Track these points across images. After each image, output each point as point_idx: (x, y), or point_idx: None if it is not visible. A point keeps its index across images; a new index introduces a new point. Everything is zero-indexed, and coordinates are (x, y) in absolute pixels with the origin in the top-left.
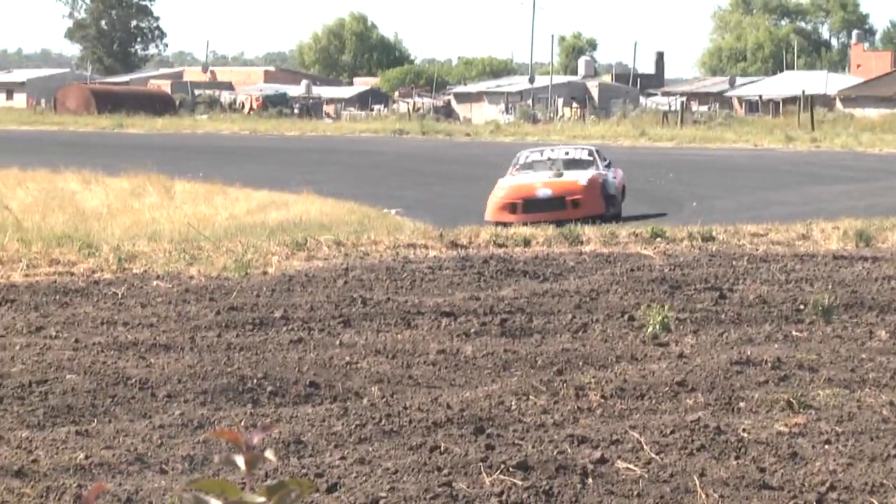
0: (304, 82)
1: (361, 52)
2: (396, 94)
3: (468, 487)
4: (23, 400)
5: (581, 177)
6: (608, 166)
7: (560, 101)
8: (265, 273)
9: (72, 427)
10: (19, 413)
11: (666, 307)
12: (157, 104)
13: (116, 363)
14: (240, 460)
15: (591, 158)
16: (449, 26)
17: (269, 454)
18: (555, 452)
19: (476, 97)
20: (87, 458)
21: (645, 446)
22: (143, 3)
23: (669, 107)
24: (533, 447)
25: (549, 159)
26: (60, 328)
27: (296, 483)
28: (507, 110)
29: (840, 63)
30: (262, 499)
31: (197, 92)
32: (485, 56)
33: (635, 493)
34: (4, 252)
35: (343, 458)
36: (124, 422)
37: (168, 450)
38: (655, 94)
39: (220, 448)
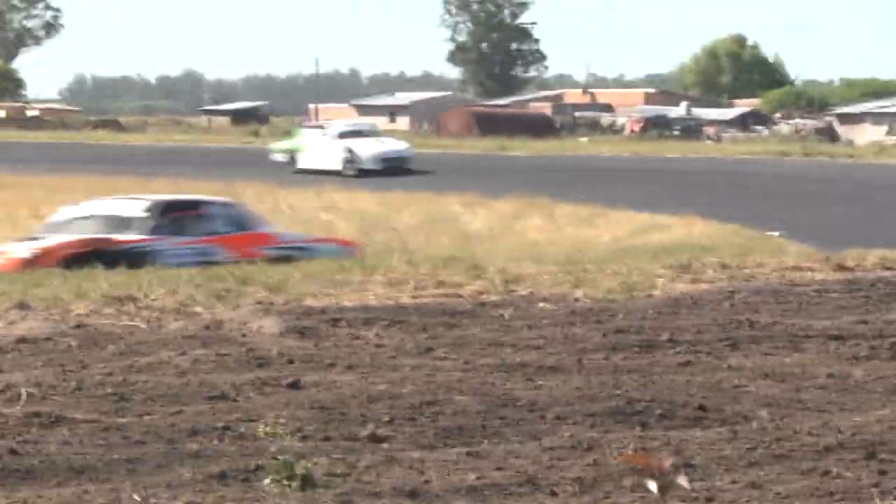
0: (684, 104)
1: (740, 72)
2: (777, 115)
3: None
4: (414, 421)
5: None
6: None
7: None
8: (650, 295)
9: (462, 448)
10: (411, 434)
11: None
12: (538, 126)
13: (505, 384)
14: (653, 485)
15: None
16: (830, 46)
17: (682, 481)
18: None
19: (859, 118)
20: (478, 479)
21: None
22: (524, 25)
23: None
24: None
25: None
26: (449, 349)
27: None
28: (891, 131)
29: None
30: None
31: (577, 114)
32: (868, 76)
33: None
34: (393, 273)
35: (734, 482)
36: (514, 443)
37: (558, 471)
38: None
39: (609, 470)
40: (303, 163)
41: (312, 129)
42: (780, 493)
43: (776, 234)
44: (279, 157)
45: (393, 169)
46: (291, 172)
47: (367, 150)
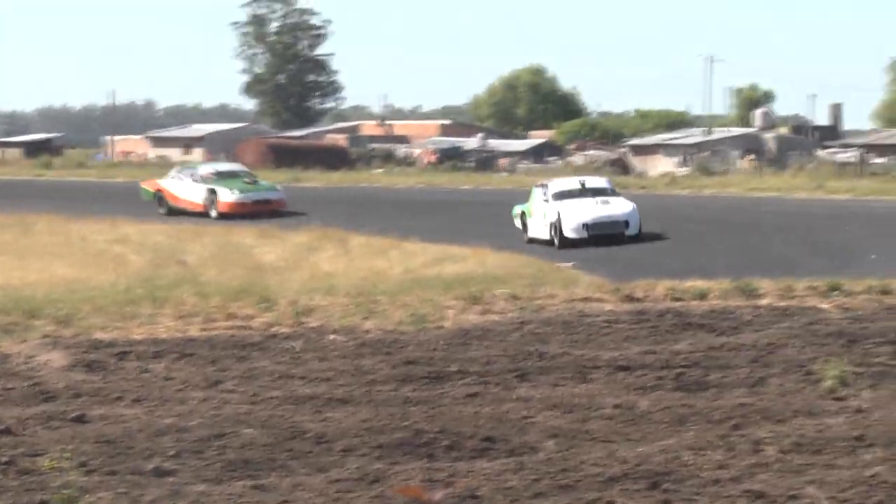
0: (479, 135)
1: (537, 104)
2: (572, 146)
3: None
4: (200, 454)
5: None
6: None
7: (736, 154)
8: (441, 327)
9: (248, 481)
10: (197, 467)
11: (843, 361)
12: (334, 158)
13: (293, 417)
14: None
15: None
16: (625, 79)
17: None
18: None
19: (652, 149)
20: None
21: (824, 502)
22: (320, 57)
23: (848, 159)
24: (709, 502)
25: None
26: (238, 382)
27: None
28: (683, 163)
29: None
30: None
31: (373, 146)
32: (661, 108)
33: None
34: (183, 306)
35: None
36: (301, 476)
37: (342, 503)
38: (833, 147)
39: (395, 502)
40: (531, 231)
41: (539, 188)
42: None
43: (568, 265)
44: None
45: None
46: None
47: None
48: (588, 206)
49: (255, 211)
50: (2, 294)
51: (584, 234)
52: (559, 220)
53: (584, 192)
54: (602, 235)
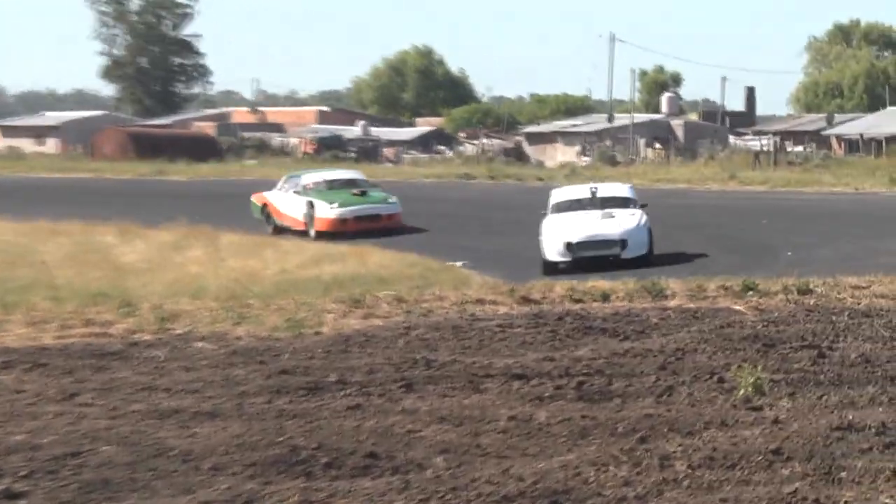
0: (362, 123)
1: (424, 89)
2: (462, 135)
3: None
4: (54, 474)
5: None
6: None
7: (642, 142)
8: (319, 333)
9: (107, 503)
10: (50, 489)
11: (759, 367)
12: (202, 148)
13: (157, 433)
14: None
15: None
16: (520, 61)
17: None
18: None
19: (550, 138)
20: None
21: None
22: (187, 38)
23: (761, 147)
24: None
25: None
26: (96, 395)
27: None
28: (584, 152)
29: None
30: None
31: (245, 134)
32: (559, 93)
33: None
34: (36, 312)
35: None
36: (165, 498)
37: None
38: (746, 134)
39: None
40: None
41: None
42: None
43: (459, 264)
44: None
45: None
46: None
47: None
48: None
49: (361, 228)
50: None
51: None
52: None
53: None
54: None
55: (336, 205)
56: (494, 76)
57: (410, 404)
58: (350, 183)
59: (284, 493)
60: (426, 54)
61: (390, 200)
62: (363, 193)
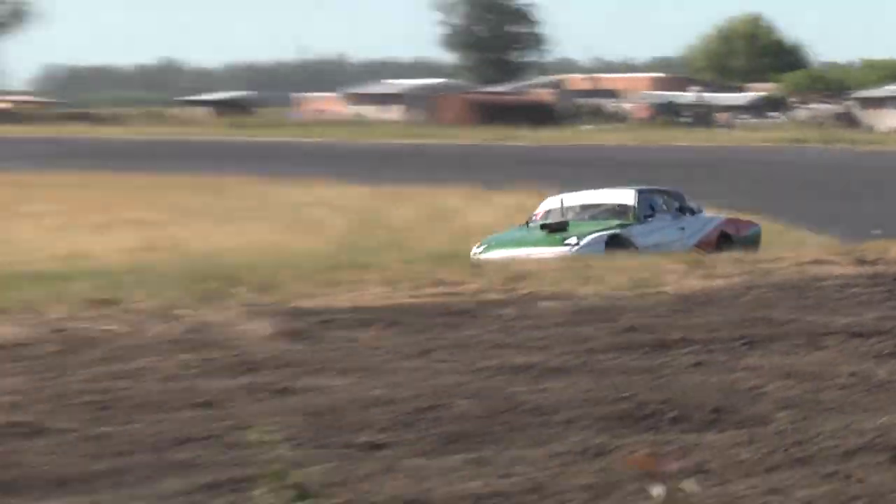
0: (694, 89)
1: (755, 55)
2: (794, 100)
3: None
4: (413, 426)
5: None
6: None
7: None
8: (661, 292)
9: (464, 455)
10: (410, 440)
11: None
12: (539, 114)
13: (509, 388)
14: (659, 490)
15: None
16: (852, 26)
17: (689, 484)
18: None
19: (880, 103)
20: (483, 486)
21: None
22: (522, 8)
23: None
24: None
25: None
26: (449, 352)
27: None
28: None
29: None
30: None
31: (580, 101)
32: (892, 57)
33: None
34: (389, 272)
35: (752, 487)
36: (520, 449)
37: (567, 478)
38: None
39: (619, 477)
40: None
41: None
42: (800, 498)
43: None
44: None
45: None
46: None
47: None
48: None
49: None
50: (200, 260)
51: None
52: None
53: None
54: None
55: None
56: (826, 42)
57: (753, 361)
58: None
59: (634, 446)
60: (754, 21)
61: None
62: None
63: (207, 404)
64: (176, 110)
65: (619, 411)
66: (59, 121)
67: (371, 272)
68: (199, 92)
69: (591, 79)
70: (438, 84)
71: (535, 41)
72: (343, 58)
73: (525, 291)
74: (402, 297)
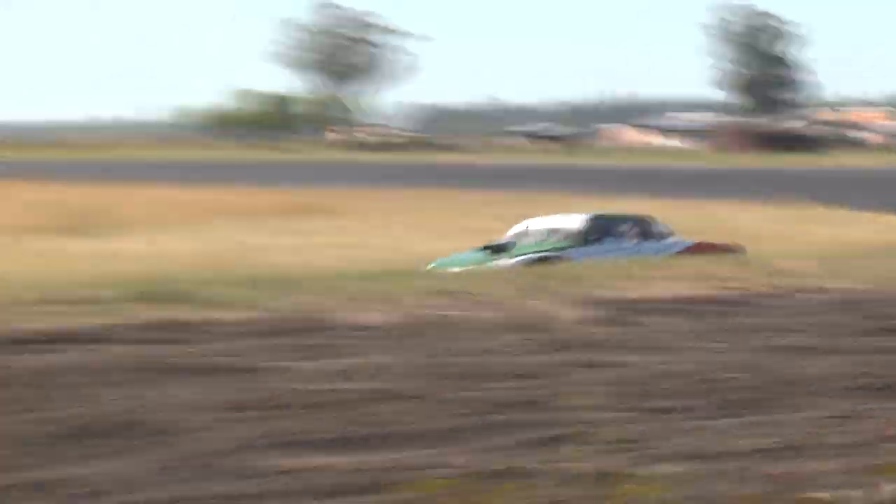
0: None
1: None
2: None
3: None
4: (693, 395)
5: None
6: None
7: None
8: None
9: (735, 418)
10: (692, 406)
11: None
12: (803, 143)
13: (772, 364)
14: None
15: None
16: None
17: None
18: None
19: None
20: (750, 445)
21: None
22: (781, 55)
23: None
24: None
25: None
26: (723, 334)
27: None
28: None
29: None
30: None
31: (830, 131)
32: None
33: None
34: (673, 269)
35: None
36: (781, 414)
37: (820, 438)
38: None
39: (867, 438)
40: None
41: None
42: None
43: None
44: None
45: None
46: None
47: None
48: None
49: None
50: None
51: None
52: None
53: None
54: None
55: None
56: None
57: None
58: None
59: (883, 412)
60: None
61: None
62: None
63: (531, 375)
64: (503, 140)
65: (863, 384)
66: (418, 149)
67: (658, 270)
68: (521, 124)
69: (836, 111)
70: (713, 117)
71: (792, 82)
72: (633, 95)
73: (792, 285)
74: (685, 289)
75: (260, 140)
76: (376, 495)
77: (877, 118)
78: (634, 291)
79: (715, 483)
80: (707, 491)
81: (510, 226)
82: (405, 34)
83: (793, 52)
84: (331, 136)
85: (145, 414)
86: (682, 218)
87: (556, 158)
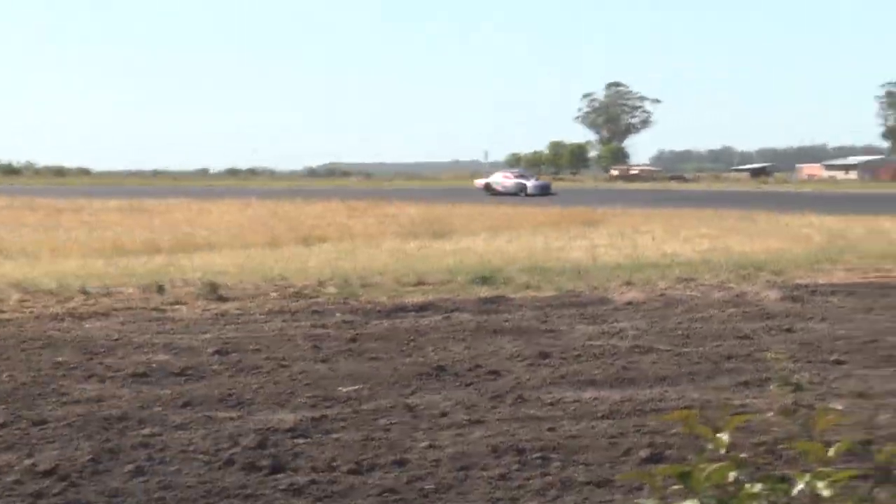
0: None
1: None
2: None
3: None
4: (861, 351)
5: None
6: None
7: None
8: None
9: (892, 368)
10: (860, 360)
11: None
12: None
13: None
14: None
15: None
16: None
17: None
18: None
19: None
20: None
21: None
22: None
23: None
24: None
25: None
26: (884, 309)
27: None
28: None
29: None
30: None
31: None
32: None
33: None
34: (849, 264)
35: None
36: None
37: None
38: None
39: None
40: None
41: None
42: None
43: None
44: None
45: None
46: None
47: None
48: None
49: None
50: (740, 257)
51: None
52: None
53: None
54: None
55: None
56: None
57: None
58: None
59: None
60: None
61: None
62: None
63: (745, 337)
64: (728, 174)
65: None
66: (662, 180)
67: (838, 264)
68: (743, 164)
69: None
70: (875, 158)
71: None
72: (815, 142)
73: None
74: (856, 277)
75: (563, 175)
76: (639, 418)
77: None
78: (820, 279)
79: (876, 415)
80: (870, 420)
81: (734, 233)
82: (655, 100)
83: None
84: (613, 172)
85: (481, 360)
86: (857, 227)
87: (765, 187)
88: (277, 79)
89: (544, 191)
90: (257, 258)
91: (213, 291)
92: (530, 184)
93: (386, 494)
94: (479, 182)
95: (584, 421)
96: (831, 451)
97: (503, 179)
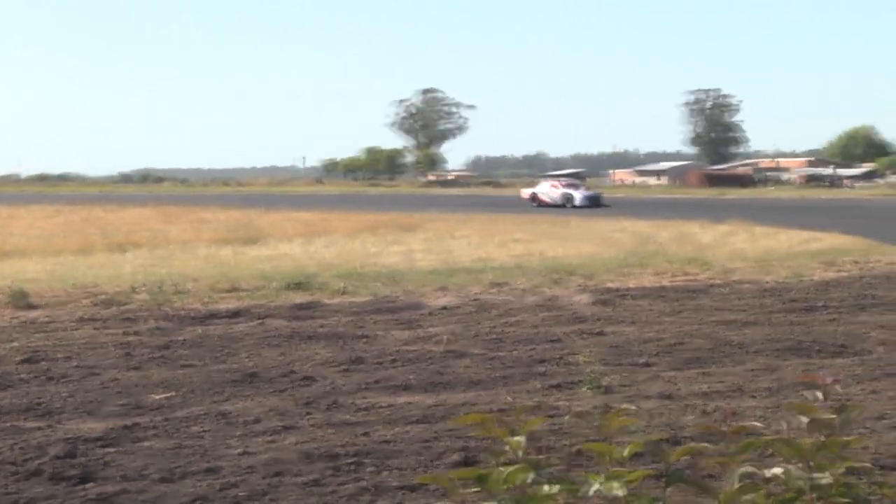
0: (831, 167)
1: (867, 147)
2: (888, 171)
3: None
4: (668, 354)
5: None
6: None
7: None
8: (811, 279)
9: (697, 370)
10: (668, 361)
11: None
12: (743, 182)
13: (722, 333)
14: (818, 393)
15: None
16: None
17: (837, 388)
18: None
19: None
20: (707, 388)
21: None
22: (733, 122)
23: None
24: None
25: None
26: (689, 312)
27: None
28: None
29: None
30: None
31: (767, 173)
32: None
33: None
34: (657, 269)
35: (862, 390)
36: (728, 367)
37: (756, 383)
38: None
39: (787, 383)
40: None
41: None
42: (892, 396)
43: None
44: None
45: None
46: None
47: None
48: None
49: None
50: (552, 261)
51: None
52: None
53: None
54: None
55: None
56: None
57: (864, 318)
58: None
59: (795, 366)
60: (867, 129)
61: None
62: None
63: (557, 340)
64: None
65: (786, 346)
66: (477, 186)
67: (648, 267)
68: (557, 169)
69: (773, 161)
70: (683, 164)
71: (739, 140)
72: (628, 150)
73: (734, 278)
74: (664, 281)
75: (379, 180)
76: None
77: (798, 164)
78: (630, 282)
79: (681, 415)
80: (675, 421)
81: (546, 238)
82: (470, 107)
83: (739, 119)
84: (429, 177)
85: (295, 366)
86: (664, 231)
87: None
88: (91, 82)
89: (594, 202)
90: (69, 265)
91: (23, 298)
92: (578, 195)
93: (198, 502)
94: (526, 192)
95: (398, 426)
96: (625, 452)
97: (550, 189)
